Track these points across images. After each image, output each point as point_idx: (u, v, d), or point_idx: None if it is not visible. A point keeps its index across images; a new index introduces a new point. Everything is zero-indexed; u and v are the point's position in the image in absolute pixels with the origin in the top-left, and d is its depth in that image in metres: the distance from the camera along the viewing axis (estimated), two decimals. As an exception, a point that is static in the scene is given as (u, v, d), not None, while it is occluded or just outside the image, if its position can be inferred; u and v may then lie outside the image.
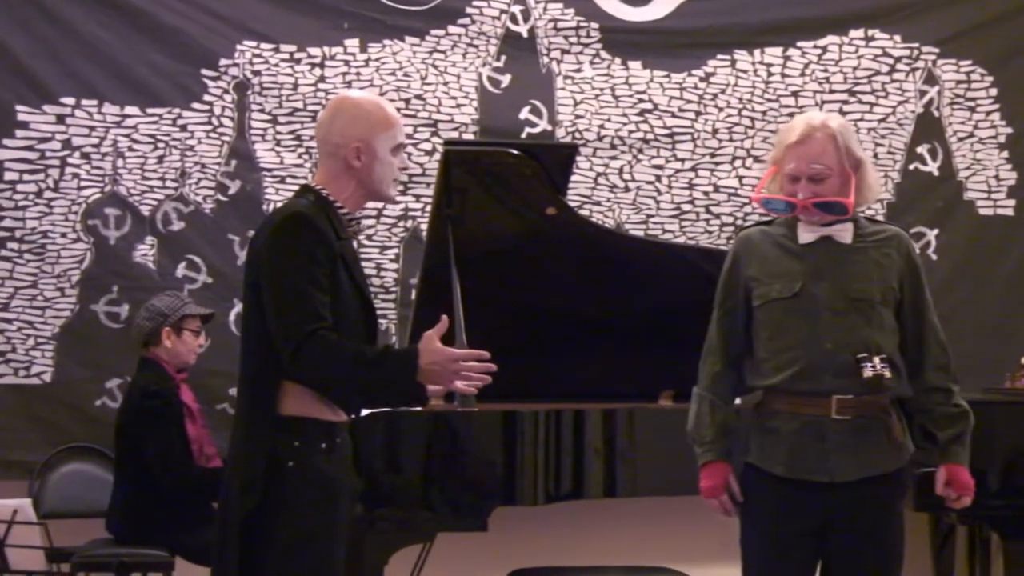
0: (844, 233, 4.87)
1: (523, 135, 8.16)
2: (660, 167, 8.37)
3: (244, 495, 4.40)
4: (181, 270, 7.92)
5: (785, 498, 4.80)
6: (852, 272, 4.83)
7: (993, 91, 8.63)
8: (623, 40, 8.36)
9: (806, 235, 4.87)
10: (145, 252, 7.90)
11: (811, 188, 4.79)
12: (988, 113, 8.64)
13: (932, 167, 8.56)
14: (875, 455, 4.80)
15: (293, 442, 4.41)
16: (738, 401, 4.99)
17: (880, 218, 5.04)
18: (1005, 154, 8.63)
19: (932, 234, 8.51)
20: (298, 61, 8.07)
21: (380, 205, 7.99)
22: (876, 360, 4.73)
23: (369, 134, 4.56)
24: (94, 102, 7.86)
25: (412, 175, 8.05)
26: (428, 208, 7.27)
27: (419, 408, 5.79)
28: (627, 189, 8.30)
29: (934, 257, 8.43)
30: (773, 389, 4.83)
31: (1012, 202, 8.63)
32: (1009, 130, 8.64)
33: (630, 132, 8.30)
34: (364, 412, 6.06)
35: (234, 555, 4.41)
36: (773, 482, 4.81)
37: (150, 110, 7.91)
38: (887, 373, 4.74)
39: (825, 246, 4.86)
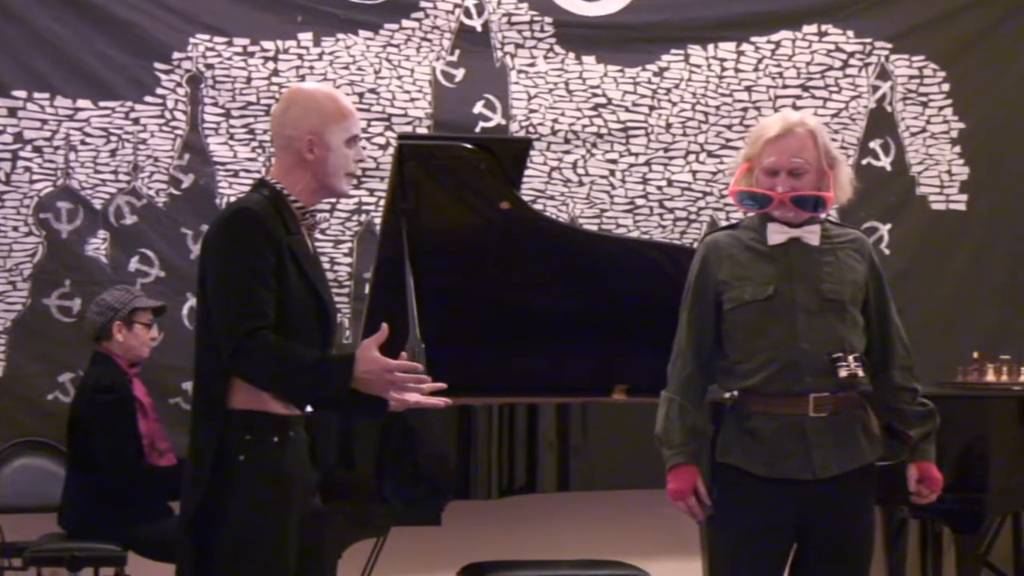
0: (812, 235, 4.88)
1: (477, 129, 8.17)
2: (614, 161, 8.38)
3: (194, 489, 4.39)
4: (134, 264, 7.89)
5: (765, 496, 4.81)
6: (824, 273, 4.85)
7: (945, 86, 8.68)
8: (577, 35, 8.37)
9: (776, 236, 4.88)
10: (98, 246, 7.87)
11: (790, 182, 4.81)
12: (940, 108, 8.68)
13: (885, 162, 8.60)
14: (854, 449, 4.84)
15: (244, 436, 4.38)
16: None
17: (834, 215, 5.06)
18: (957, 149, 8.68)
19: (885, 229, 8.54)
20: (252, 55, 8.05)
21: (332, 199, 7.98)
22: (850, 359, 4.77)
23: (322, 126, 4.50)
24: (46, 95, 7.84)
25: (366, 169, 8.02)
26: (382, 202, 7.26)
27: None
28: (581, 183, 8.31)
29: (887, 252, 8.47)
30: (750, 390, 4.85)
31: (964, 197, 8.68)
32: (961, 125, 8.68)
33: (584, 127, 8.31)
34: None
35: (189, 549, 4.41)
36: (754, 481, 4.83)
37: (103, 103, 7.89)
38: (860, 372, 4.79)
39: (795, 248, 4.87)
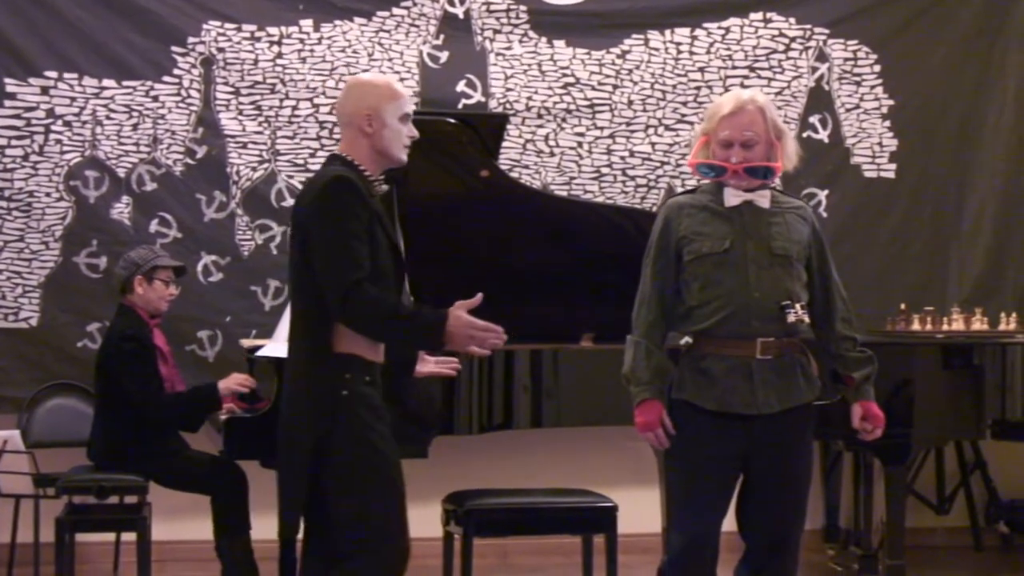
0: (763, 199, 4.94)
1: (459, 106, 8.17)
2: (581, 135, 8.40)
3: (314, 423, 4.60)
4: (154, 226, 7.92)
5: (714, 428, 4.87)
6: (774, 232, 4.90)
7: (877, 67, 8.69)
8: (549, 21, 8.37)
9: (732, 199, 4.93)
10: (121, 210, 7.90)
11: (743, 154, 4.87)
12: (872, 87, 8.69)
13: (823, 135, 8.62)
14: (794, 389, 4.90)
15: (344, 374, 4.60)
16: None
17: (778, 184, 5.11)
18: (887, 123, 8.69)
19: (823, 194, 8.57)
20: (258, 39, 8.06)
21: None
22: (797, 307, 4.84)
23: (378, 104, 4.73)
24: (75, 75, 7.86)
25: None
26: (375, 171, 7.26)
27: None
28: (552, 154, 8.33)
29: (824, 215, 8.49)
30: (704, 333, 4.90)
31: (893, 166, 8.70)
32: (891, 102, 8.70)
33: (555, 103, 8.32)
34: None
35: (303, 480, 4.62)
36: (705, 416, 4.88)
37: (125, 83, 7.91)
38: (806, 318, 4.88)
39: (748, 209, 4.92)
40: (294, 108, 8.10)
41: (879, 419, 5.01)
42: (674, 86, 8.48)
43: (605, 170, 8.43)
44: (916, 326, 8.04)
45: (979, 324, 8.13)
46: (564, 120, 8.36)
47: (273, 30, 8.08)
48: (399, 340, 4.80)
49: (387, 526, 4.68)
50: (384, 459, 4.66)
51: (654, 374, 4.92)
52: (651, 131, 8.46)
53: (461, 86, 8.28)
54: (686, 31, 8.51)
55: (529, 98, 8.32)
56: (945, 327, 8.07)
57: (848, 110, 8.66)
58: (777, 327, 4.84)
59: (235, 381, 6.60)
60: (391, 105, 4.75)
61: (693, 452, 4.92)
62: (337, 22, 8.16)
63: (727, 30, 8.55)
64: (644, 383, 4.92)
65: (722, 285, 4.86)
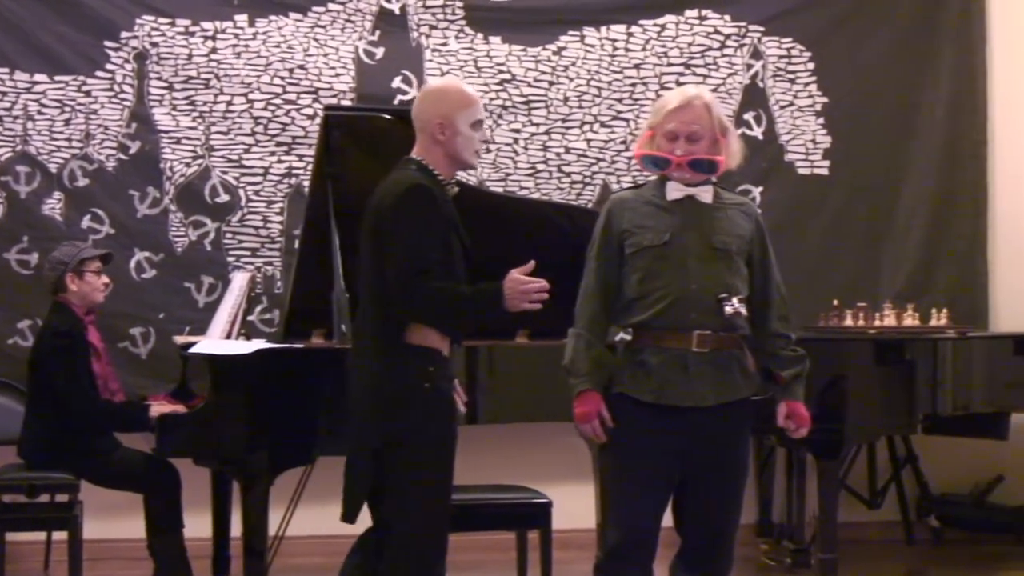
0: (705, 194, 4.96)
1: (395, 101, 8.15)
2: (517, 131, 8.40)
3: (389, 416, 4.78)
4: (86, 222, 7.87)
5: (652, 422, 4.87)
6: (714, 227, 4.92)
7: (811, 65, 8.72)
8: (485, 17, 8.37)
9: (674, 193, 4.95)
10: (53, 206, 7.85)
11: (687, 147, 4.90)
12: (806, 84, 8.73)
13: (757, 132, 8.64)
14: (730, 384, 4.91)
15: (427, 367, 4.79)
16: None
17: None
18: (821, 121, 8.73)
19: (757, 191, 8.59)
20: (192, 34, 8.03)
21: (265, 164, 8.01)
22: (735, 300, 4.84)
23: (450, 112, 4.89)
24: (6, 70, 7.84)
25: (295, 137, 8.07)
26: (310, 167, 7.23)
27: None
28: (488, 150, 8.30)
29: (759, 212, 8.49)
30: (642, 325, 4.91)
31: (827, 163, 8.74)
32: (824, 99, 8.74)
33: (491, 100, 8.31)
34: (248, 349, 6.07)
35: (368, 473, 4.81)
36: (642, 409, 4.89)
37: (58, 77, 7.88)
38: (744, 311, 4.86)
39: (690, 204, 4.94)
40: (228, 104, 8.05)
41: (803, 419, 5.00)
42: (610, 83, 8.49)
43: (541, 166, 8.43)
44: (849, 322, 8.08)
45: (911, 320, 8.17)
46: (500, 116, 8.36)
47: (207, 25, 8.04)
48: (466, 319, 4.98)
49: (434, 530, 4.88)
50: (449, 463, 4.89)
51: (593, 366, 4.94)
52: (587, 127, 8.47)
53: (397, 82, 8.26)
54: (622, 28, 8.52)
55: (465, 94, 8.29)
56: (877, 323, 8.11)
57: (782, 107, 8.69)
58: (715, 320, 4.84)
59: (169, 408, 6.53)
60: (464, 113, 4.91)
61: (630, 446, 4.92)
62: (272, 17, 8.12)
63: (663, 27, 8.56)
64: (583, 374, 4.93)
65: (661, 277, 4.87)
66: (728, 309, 4.83)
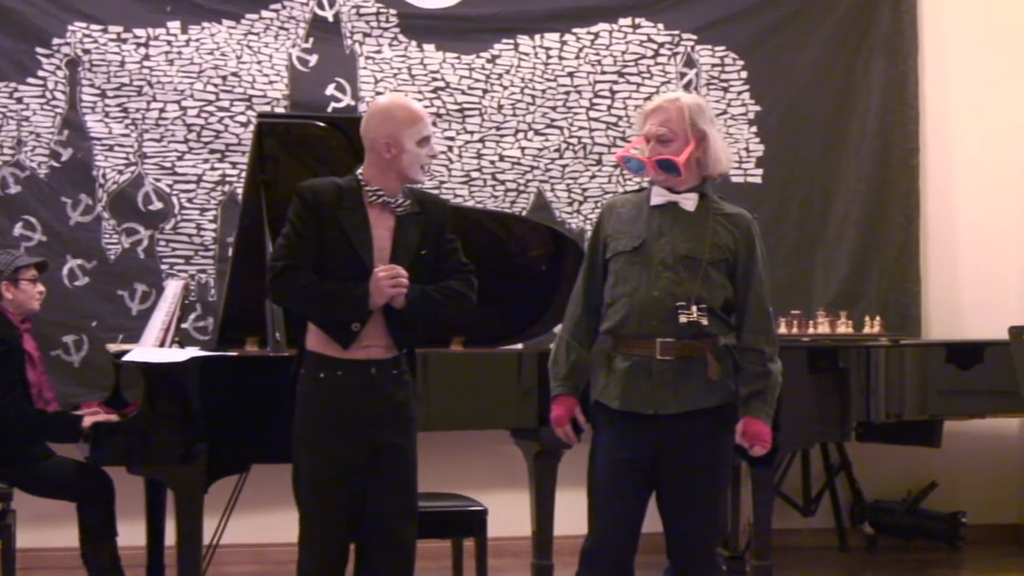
0: (688, 202, 4.99)
1: (329, 109, 8.18)
2: (452, 139, 8.42)
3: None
4: (18, 229, 7.85)
5: (621, 429, 4.93)
6: (687, 234, 4.94)
7: (744, 74, 8.79)
8: (419, 25, 8.40)
9: (657, 198, 5.01)
10: (-17, 214, 7.82)
11: (656, 149, 4.96)
12: (739, 93, 8.79)
13: (690, 140, 8.69)
14: (693, 393, 4.91)
15: (300, 370, 5.11)
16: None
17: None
18: (754, 129, 8.80)
19: (690, 199, 8.63)
20: (124, 41, 8.02)
21: (199, 171, 8.01)
22: (693, 308, 4.85)
23: (395, 131, 5.05)
24: (-64, 76, 7.77)
25: (228, 144, 8.07)
26: (243, 174, 7.23)
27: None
28: (423, 158, 8.32)
29: (755, 226, 8.53)
30: (612, 331, 4.98)
31: (760, 171, 8.80)
32: (757, 108, 8.81)
33: (425, 107, 8.29)
34: (182, 357, 6.05)
35: None
36: (613, 416, 4.95)
37: (-12, 84, 7.84)
38: (704, 320, 4.86)
39: (671, 210, 4.98)
40: (161, 111, 8.05)
41: (758, 437, 4.95)
42: (543, 91, 8.53)
43: (475, 174, 8.46)
44: (783, 329, 8.09)
45: (844, 327, 8.25)
46: (434, 124, 8.32)
47: (140, 32, 8.04)
48: (327, 314, 5.05)
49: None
50: (306, 449, 5.18)
51: (571, 370, 5.07)
52: (520, 135, 8.50)
53: (331, 89, 8.28)
54: (556, 36, 8.56)
55: (399, 102, 8.31)
56: (811, 330, 8.18)
57: (715, 115, 8.73)
58: (677, 328, 4.87)
59: (102, 417, 6.49)
60: (410, 131, 5.06)
61: (604, 452, 4.99)
62: (205, 24, 8.13)
63: (596, 35, 8.61)
64: (560, 379, 5.10)
65: (628, 283, 4.95)
66: (682, 318, 4.86)
